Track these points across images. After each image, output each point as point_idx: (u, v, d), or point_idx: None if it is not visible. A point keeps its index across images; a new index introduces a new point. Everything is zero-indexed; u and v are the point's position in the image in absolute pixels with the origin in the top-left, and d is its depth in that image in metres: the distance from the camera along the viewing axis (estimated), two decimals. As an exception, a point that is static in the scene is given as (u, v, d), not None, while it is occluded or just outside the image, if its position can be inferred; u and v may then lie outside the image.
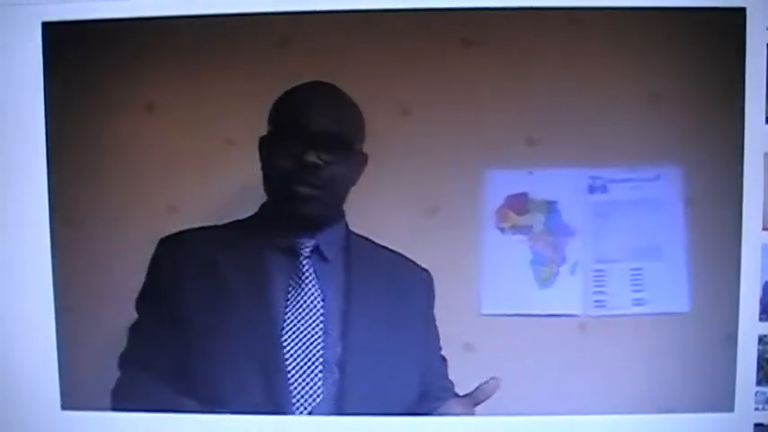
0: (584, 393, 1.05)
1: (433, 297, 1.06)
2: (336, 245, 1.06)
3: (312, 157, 1.00)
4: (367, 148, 1.04)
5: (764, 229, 0.97)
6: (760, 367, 0.98)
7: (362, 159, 1.04)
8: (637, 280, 1.05)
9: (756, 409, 0.99)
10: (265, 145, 1.04)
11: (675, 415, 1.01)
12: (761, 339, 0.98)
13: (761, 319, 0.98)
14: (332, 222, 1.06)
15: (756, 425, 1.00)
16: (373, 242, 1.06)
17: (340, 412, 1.02)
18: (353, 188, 1.04)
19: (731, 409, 1.00)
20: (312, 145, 1.00)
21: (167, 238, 1.05)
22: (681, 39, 1.01)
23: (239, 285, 1.03)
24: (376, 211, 1.05)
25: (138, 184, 1.07)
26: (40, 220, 1.03)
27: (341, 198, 1.05)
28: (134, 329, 1.04)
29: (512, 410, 1.03)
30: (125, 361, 1.03)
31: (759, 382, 0.99)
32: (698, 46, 1.01)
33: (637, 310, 1.05)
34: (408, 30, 1.01)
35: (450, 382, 1.06)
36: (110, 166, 1.06)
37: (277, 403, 1.01)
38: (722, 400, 1.00)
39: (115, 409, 1.04)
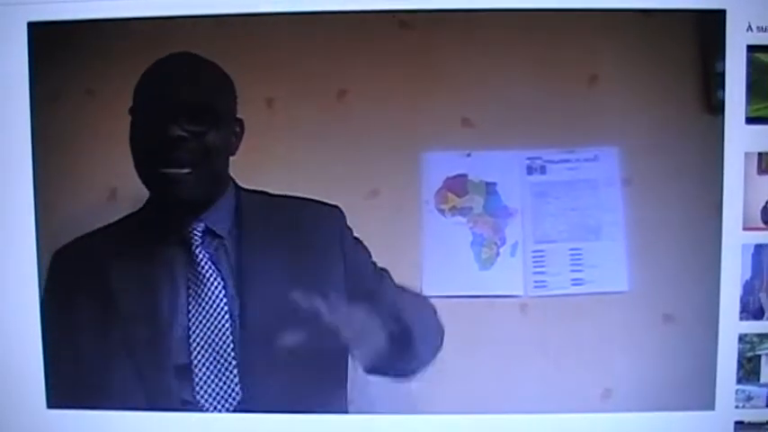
0: (528, 374, 1.05)
1: (348, 229, 1.03)
2: (228, 217, 1.03)
3: (176, 131, 0.96)
4: (250, 118, 1.02)
5: (745, 228, 0.98)
6: (741, 365, 0.99)
7: (238, 126, 1.01)
8: (576, 260, 1.05)
9: (737, 406, 1.00)
10: (131, 123, 1.00)
11: (655, 413, 1.01)
12: (741, 338, 0.98)
13: (741, 318, 0.98)
14: (217, 197, 1.02)
15: (737, 423, 1.00)
16: (269, 194, 1.02)
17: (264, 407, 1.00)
18: (290, 171, 1.03)
19: (712, 407, 1.00)
20: (174, 117, 0.96)
21: (62, 249, 1.01)
22: (618, 20, 1.01)
23: (134, 296, 0.99)
24: (316, 195, 1.04)
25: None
26: (24, 214, 1.01)
27: (219, 171, 1.02)
28: None
29: (455, 392, 1.04)
30: None
31: (740, 381, 0.99)
32: (635, 27, 1.01)
33: (576, 289, 1.05)
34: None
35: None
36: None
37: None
38: (703, 398, 1.00)
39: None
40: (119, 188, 1.06)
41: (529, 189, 1.06)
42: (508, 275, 1.06)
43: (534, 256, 1.06)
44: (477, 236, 1.06)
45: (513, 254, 1.06)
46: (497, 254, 1.06)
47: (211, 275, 1.01)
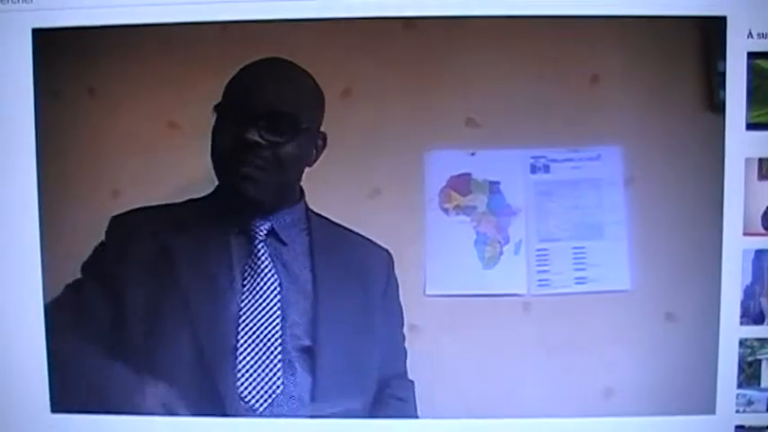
0: (530, 372, 1.05)
1: (394, 278, 1.05)
2: (295, 227, 1.05)
3: (253, 136, 0.98)
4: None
5: (745, 234, 0.98)
6: (741, 370, 0.99)
7: (320, 139, 1.03)
8: (579, 259, 1.06)
9: (738, 411, 1.00)
10: (216, 118, 1.02)
11: (656, 418, 1.01)
12: (742, 342, 0.99)
13: (742, 323, 0.99)
14: (287, 204, 1.04)
15: (737, 427, 1.01)
16: (331, 221, 1.05)
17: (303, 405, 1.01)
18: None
19: (713, 412, 1.00)
20: (254, 123, 0.98)
21: (120, 215, 1.03)
22: (621, 22, 1.01)
23: (191, 274, 1.00)
24: (317, 194, 1.05)
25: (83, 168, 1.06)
26: (29, 215, 1.01)
27: (292, 179, 1.04)
28: (72, 288, 1.02)
29: (456, 394, 1.05)
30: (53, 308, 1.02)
31: (740, 385, 1.00)
32: (638, 29, 1.01)
33: (579, 288, 1.06)
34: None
35: (410, 381, 1.05)
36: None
37: (229, 398, 0.99)
38: (703, 403, 1.01)
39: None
40: (121, 188, 1.06)
41: (532, 188, 1.06)
42: (511, 274, 1.06)
43: (537, 255, 1.06)
44: (480, 235, 1.06)
45: (516, 252, 1.06)
46: (501, 252, 1.06)
47: (270, 273, 1.02)
